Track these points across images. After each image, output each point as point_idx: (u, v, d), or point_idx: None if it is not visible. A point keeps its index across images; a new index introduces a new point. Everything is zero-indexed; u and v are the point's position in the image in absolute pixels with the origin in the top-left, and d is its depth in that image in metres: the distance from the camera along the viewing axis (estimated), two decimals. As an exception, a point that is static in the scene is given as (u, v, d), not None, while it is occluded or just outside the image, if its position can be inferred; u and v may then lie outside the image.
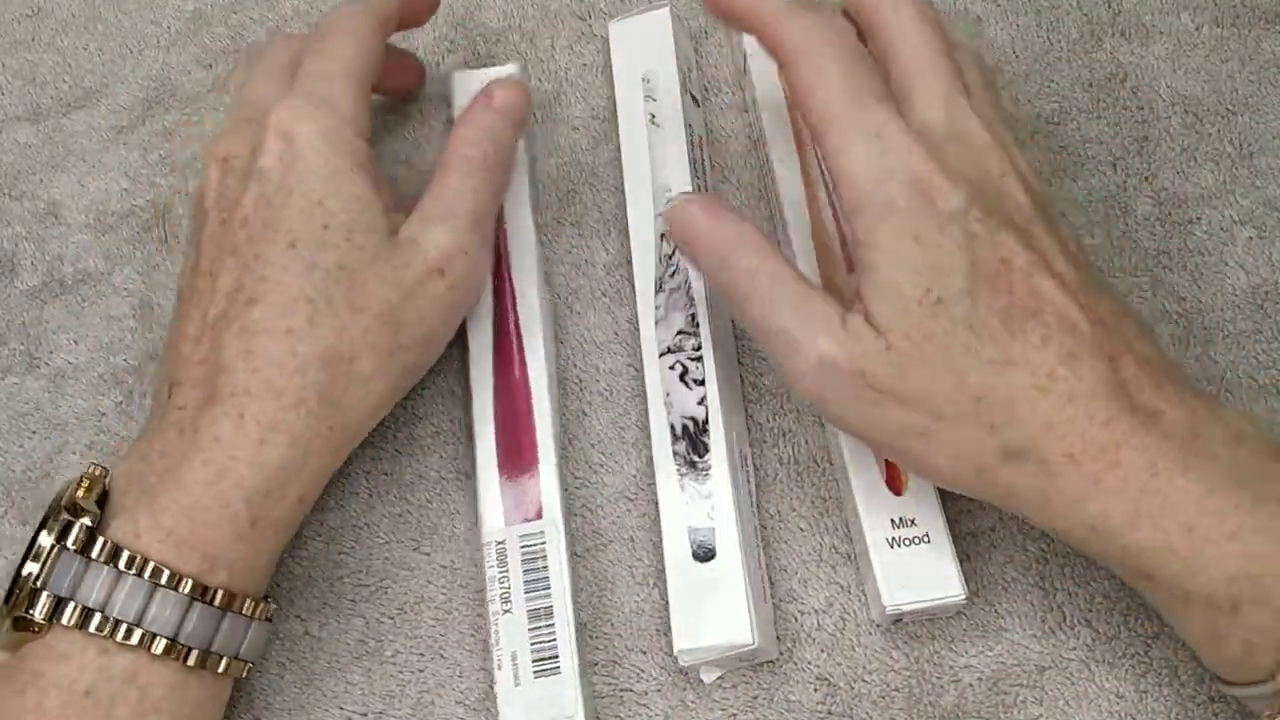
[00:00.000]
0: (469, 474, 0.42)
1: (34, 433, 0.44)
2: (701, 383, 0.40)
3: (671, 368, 0.40)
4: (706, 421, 0.39)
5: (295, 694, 0.39)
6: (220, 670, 0.34)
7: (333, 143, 0.37)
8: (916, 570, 0.37)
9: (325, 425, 0.35)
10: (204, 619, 0.33)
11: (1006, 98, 0.42)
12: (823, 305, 0.33)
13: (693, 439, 0.39)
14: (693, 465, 0.39)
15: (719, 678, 0.38)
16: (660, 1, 0.46)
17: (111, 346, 0.45)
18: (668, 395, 0.40)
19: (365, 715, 0.39)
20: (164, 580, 0.33)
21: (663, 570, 0.38)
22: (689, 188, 0.43)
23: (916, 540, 0.37)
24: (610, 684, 0.39)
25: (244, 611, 0.35)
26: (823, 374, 0.33)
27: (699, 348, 0.40)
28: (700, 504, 0.38)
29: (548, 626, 0.37)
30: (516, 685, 0.37)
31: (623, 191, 0.43)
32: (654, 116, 0.44)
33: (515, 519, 0.39)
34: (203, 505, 0.33)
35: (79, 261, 0.47)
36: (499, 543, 0.39)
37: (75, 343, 0.45)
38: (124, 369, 0.45)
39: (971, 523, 0.40)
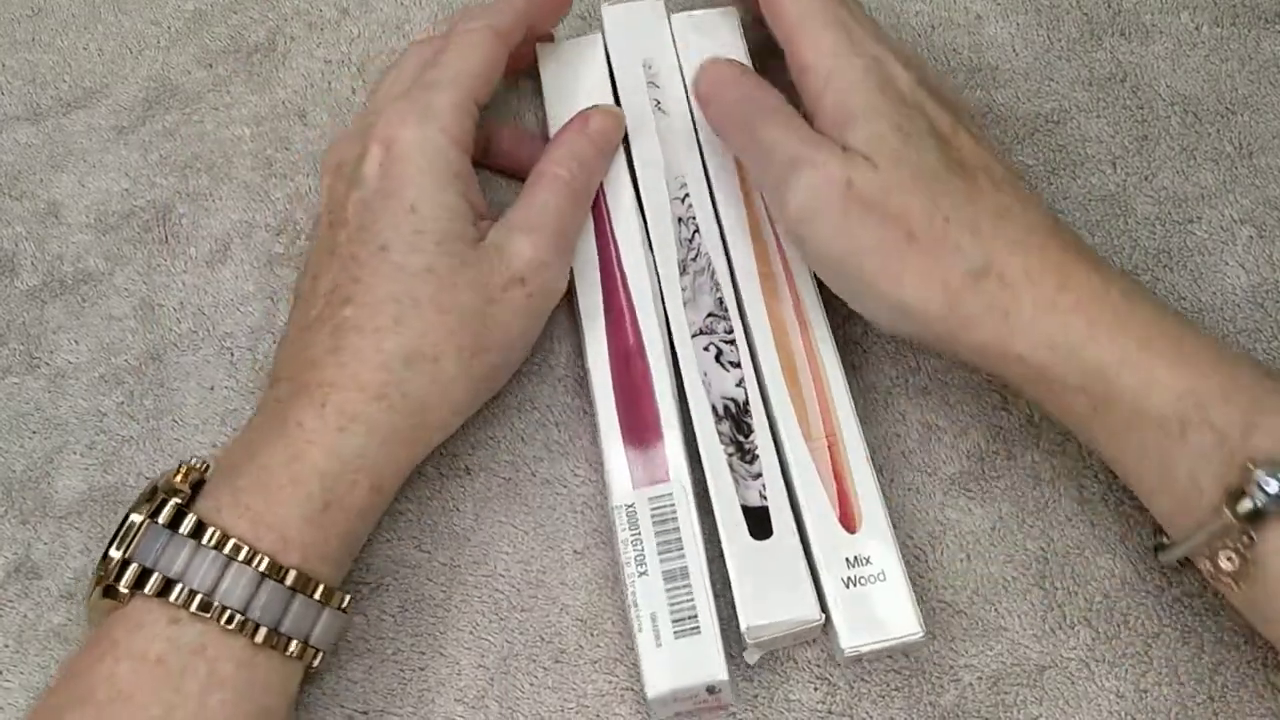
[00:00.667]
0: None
1: (34, 433, 0.44)
2: (738, 364, 0.40)
3: (706, 349, 0.40)
4: (747, 402, 0.39)
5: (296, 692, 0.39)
6: (289, 653, 0.34)
7: (428, 151, 0.38)
8: (874, 609, 0.36)
9: (406, 421, 0.37)
10: (274, 597, 0.34)
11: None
12: (824, 139, 0.38)
13: (736, 420, 0.39)
14: (739, 446, 0.39)
15: (761, 657, 0.38)
16: None
17: (112, 347, 0.45)
18: (705, 375, 0.40)
19: (366, 713, 0.39)
20: (239, 555, 0.34)
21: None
22: (701, 174, 0.43)
23: (872, 579, 0.37)
24: (610, 682, 0.39)
25: (316, 596, 0.35)
26: (821, 186, 0.36)
27: (731, 330, 0.40)
28: (752, 484, 0.38)
29: (684, 587, 0.37)
30: (659, 646, 0.36)
31: (634, 175, 0.43)
32: (659, 103, 0.44)
33: (643, 482, 0.39)
34: (278, 484, 0.35)
35: (79, 261, 0.47)
36: (628, 506, 0.38)
37: (75, 343, 0.45)
38: (124, 369, 0.45)
39: (972, 523, 0.40)
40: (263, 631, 0.34)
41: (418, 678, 0.39)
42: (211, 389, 0.44)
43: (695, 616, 0.37)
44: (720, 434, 0.39)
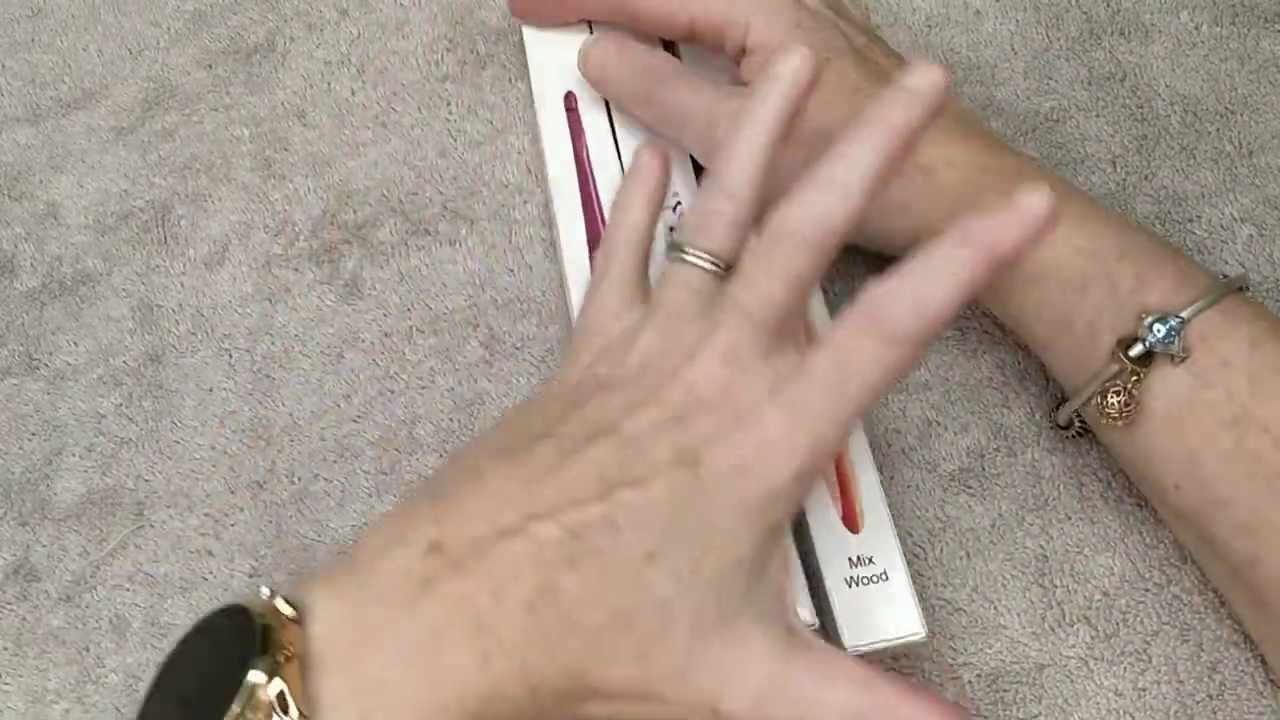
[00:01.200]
0: None
1: (33, 434, 0.44)
2: None
3: None
4: None
5: (294, 693, 0.39)
6: None
7: (776, 508, 0.30)
8: (875, 610, 0.36)
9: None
10: None
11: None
12: (735, 90, 0.39)
13: None
14: None
15: None
16: None
17: (111, 348, 0.45)
18: None
19: (364, 714, 0.39)
20: None
21: None
22: (693, 180, 0.43)
23: (875, 579, 0.37)
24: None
25: None
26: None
27: None
28: None
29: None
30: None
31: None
32: None
33: None
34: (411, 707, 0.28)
35: (78, 262, 0.47)
36: None
37: (74, 344, 0.45)
38: (123, 370, 0.45)
39: (971, 520, 0.40)
40: None
41: (417, 678, 0.39)
42: (210, 390, 0.44)
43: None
44: None
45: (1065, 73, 0.48)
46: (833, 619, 0.36)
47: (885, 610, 0.36)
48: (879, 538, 0.37)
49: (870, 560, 0.37)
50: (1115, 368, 0.36)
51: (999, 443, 0.42)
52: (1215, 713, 0.37)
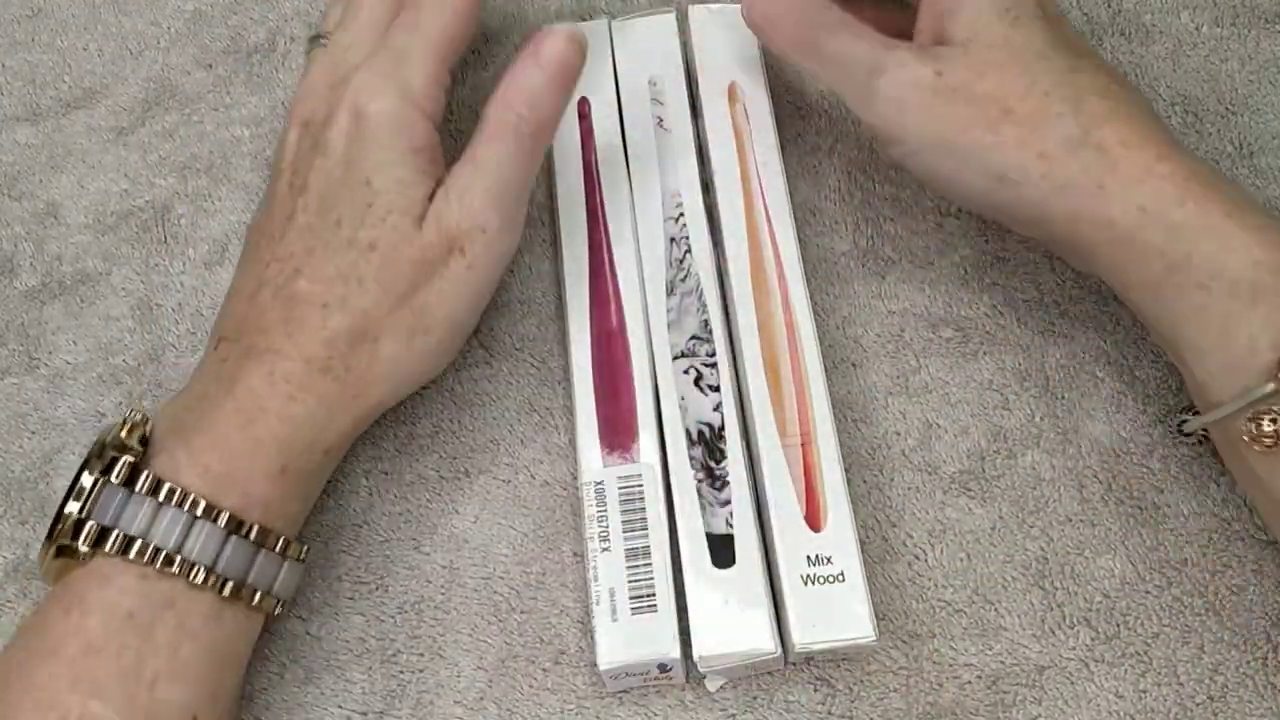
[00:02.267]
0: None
1: (33, 433, 0.44)
2: (717, 389, 0.40)
3: (686, 372, 0.40)
4: (723, 428, 0.39)
5: (295, 693, 0.39)
6: (254, 604, 0.36)
7: (396, 125, 0.38)
8: (829, 610, 0.36)
9: (350, 393, 0.37)
10: (239, 552, 0.35)
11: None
12: (899, 41, 0.39)
13: (709, 445, 0.39)
14: (709, 472, 0.39)
15: (723, 685, 0.38)
16: (666, 6, 0.46)
17: (110, 347, 0.45)
18: (682, 399, 0.40)
19: (365, 715, 0.39)
20: (201, 512, 0.34)
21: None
22: (699, 193, 0.43)
23: (831, 579, 0.37)
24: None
25: (277, 549, 0.36)
26: (907, 84, 0.38)
27: (713, 354, 0.40)
28: (719, 511, 0.38)
29: (645, 565, 0.37)
30: (614, 620, 0.37)
31: (630, 191, 0.43)
32: (661, 120, 0.44)
33: (613, 461, 0.39)
34: (235, 446, 0.35)
35: (78, 262, 0.47)
36: (597, 483, 0.39)
37: (74, 343, 0.45)
38: (123, 369, 0.45)
39: (972, 522, 0.40)
40: (230, 585, 0.35)
41: (417, 680, 0.39)
42: (211, 390, 0.44)
43: (653, 595, 0.37)
44: (692, 459, 0.39)
45: (1066, 74, 0.48)
46: (785, 615, 0.37)
47: (839, 611, 0.36)
48: (840, 538, 0.37)
49: (829, 560, 0.37)
50: (1271, 388, 0.33)
51: (999, 445, 0.42)
52: (1216, 715, 0.37)
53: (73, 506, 0.34)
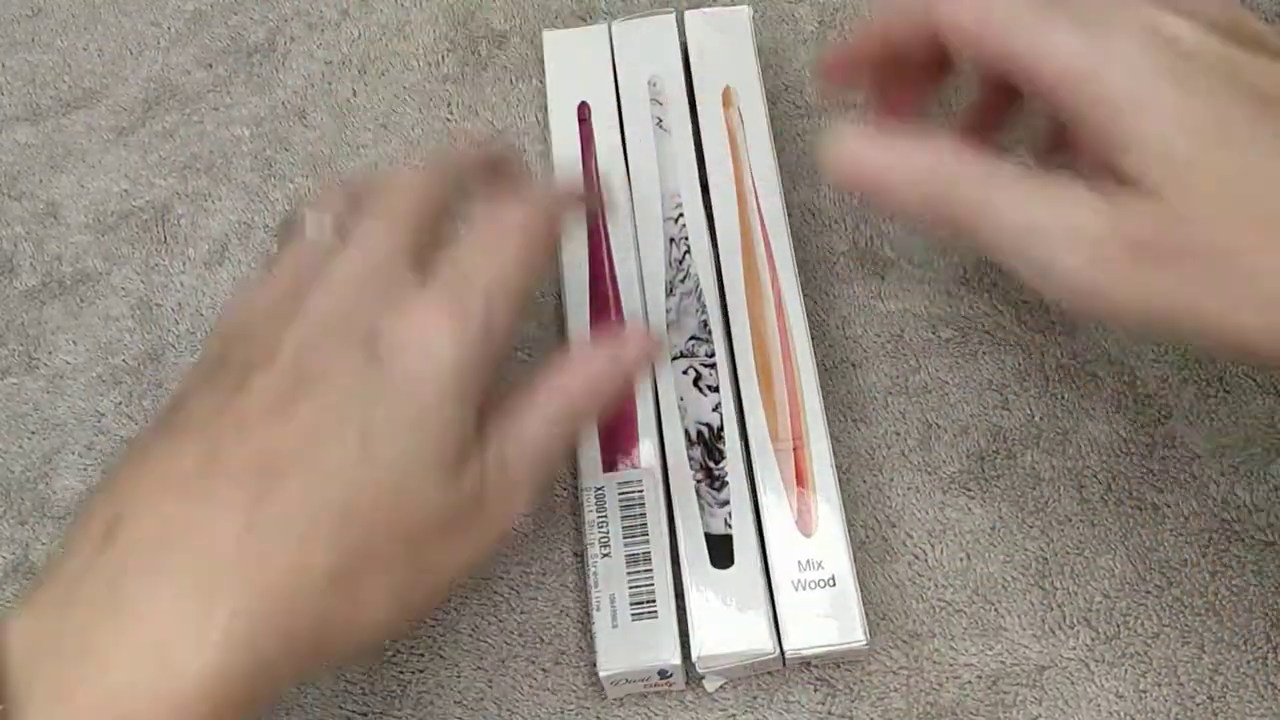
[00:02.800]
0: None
1: (32, 433, 0.44)
2: (716, 389, 0.40)
3: (685, 372, 0.40)
4: (721, 428, 0.39)
5: (295, 694, 0.39)
6: None
7: (469, 374, 0.30)
8: (820, 614, 0.36)
9: (309, 648, 0.29)
10: None
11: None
12: (1067, 186, 0.29)
13: (708, 445, 0.39)
14: (709, 472, 0.39)
15: (721, 685, 0.38)
16: (666, 7, 0.46)
17: (110, 347, 0.45)
18: (681, 399, 0.40)
19: (365, 715, 0.39)
20: None
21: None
22: (698, 193, 0.43)
23: (822, 584, 0.37)
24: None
25: None
26: (1093, 254, 0.28)
27: (712, 354, 0.40)
28: (718, 511, 0.38)
29: (645, 571, 0.37)
30: (615, 627, 0.37)
31: (629, 192, 0.43)
32: (661, 121, 0.44)
33: (614, 466, 0.39)
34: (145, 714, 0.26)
35: (78, 262, 0.47)
36: (598, 489, 0.39)
37: (74, 343, 0.45)
38: (123, 370, 0.45)
39: (972, 522, 0.40)
40: None
41: (416, 680, 0.39)
42: (210, 389, 0.44)
43: (654, 601, 0.37)
44: (691, 459, 0.39)
45: (1066, 74, 0.48)
46: (777, 620, 0.37)
47: (830, 616, 0.36)
48: (831, 543, 0.37)
49: (820, 565, 0.37)
50: None
51: (999, 445, 0.42)
52: (1216, 715, 0.37)
53: None
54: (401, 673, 0.39)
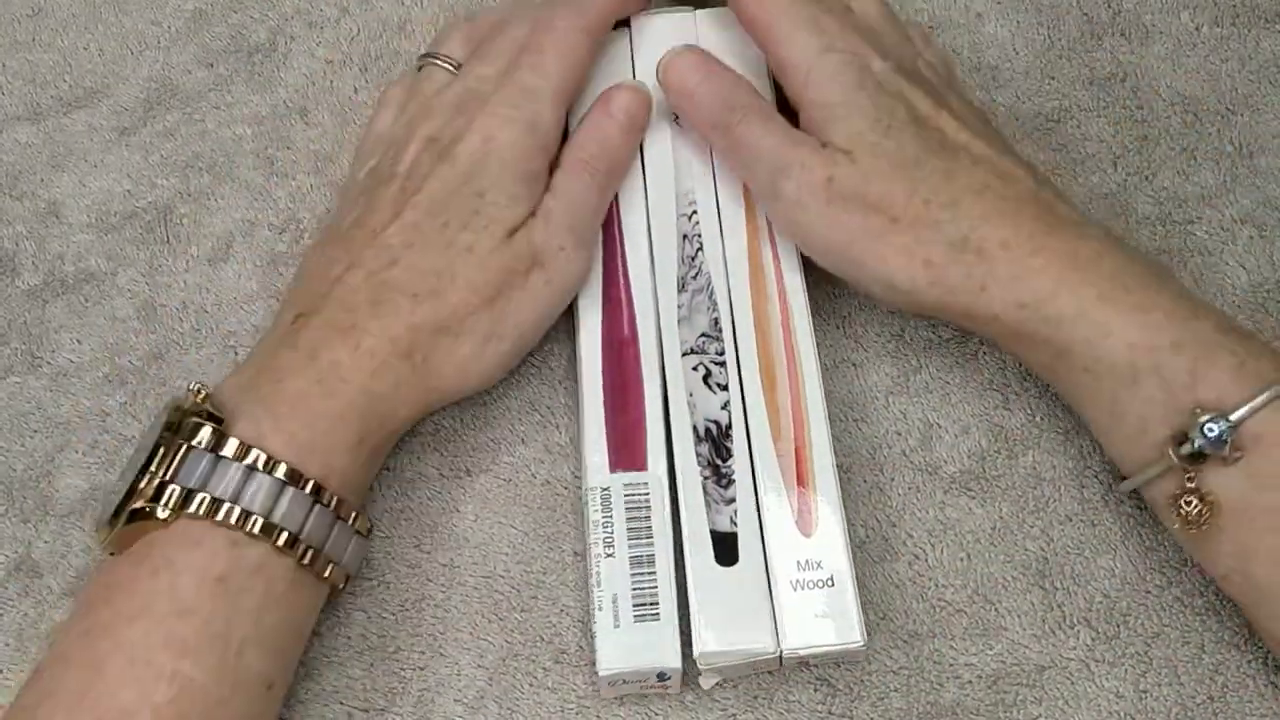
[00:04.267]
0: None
1: (35, 432, 0.44)
2: (725, 387, 0.40)
3: (695, 369, 0.40)
4: (730, 426, 0.39)
5: (296, 689, 0.39)
6: (326, 575, 0.36)
7: (520, 152, 0.40)
8: (819, 615, 0.36)
9: (423, 381, 0.39)
10: (321, 520, 0.36)
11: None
12: (804, 137, 0.40)
13: (716, 443, 0.39)
14: (716, 469, 0.39)
15: (717, 683, 0.38)
16: (685, 7, 0.46)
17: (115, 347, 0.45)
18: (690, 396, 0.40)
19: (366, 711, 0.39)
20: (288, 478, 0.35)
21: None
22: (712, 192, 0.43)
23: (821, 584, 0.37)
24: (610, 683, 0.39)
25: (351, 521, 0.37)
26: (805, 187, 0.39)
27: (723, 352, 0.40)
28: (724, 509, 0.38)
29: (649, 574, 0.37)
30: (616, 626, 0.37)
31: (644, 188, 0.43)
32: (678, 117, 0.44)
33: (620, 467, 0.39)
34: (319, 413, 0.36)
35: (81, 261, 0.47)
36: (603, 489, 0.39)
37: (78, 342, 0.45)
38: (128, 369, 0.45)
39: (972, 522, 0.40)
40: (310, 553, 0.35)
41: (418, 677, 0.39)
42: (212, 389, 0.44)
43: (656, 603, 0.37)
44: (698, 455, 0.39)
45: (1066, 74, 0.48)
46: (776, 620, 0.37)
47: (828, 616, 0.36)
48: (830, 543, 0.37)
49: (819, 565, 0.37)
50: (1167, 464, 0.35)
51: (999, 445, 0.42)
52: (1216, 715, 0.37)
53: (154, 469, 0.34)
54: (402, 669, 0.39)
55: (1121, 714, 0.38)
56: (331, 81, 0.49)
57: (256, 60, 0.50)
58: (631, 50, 0.46)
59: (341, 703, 0.39)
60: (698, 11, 0.46)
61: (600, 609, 0.37)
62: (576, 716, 0.39)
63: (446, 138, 0.41)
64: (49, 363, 0.45)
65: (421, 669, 0.39)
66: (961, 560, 0.40)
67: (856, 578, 0.37)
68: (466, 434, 0.43)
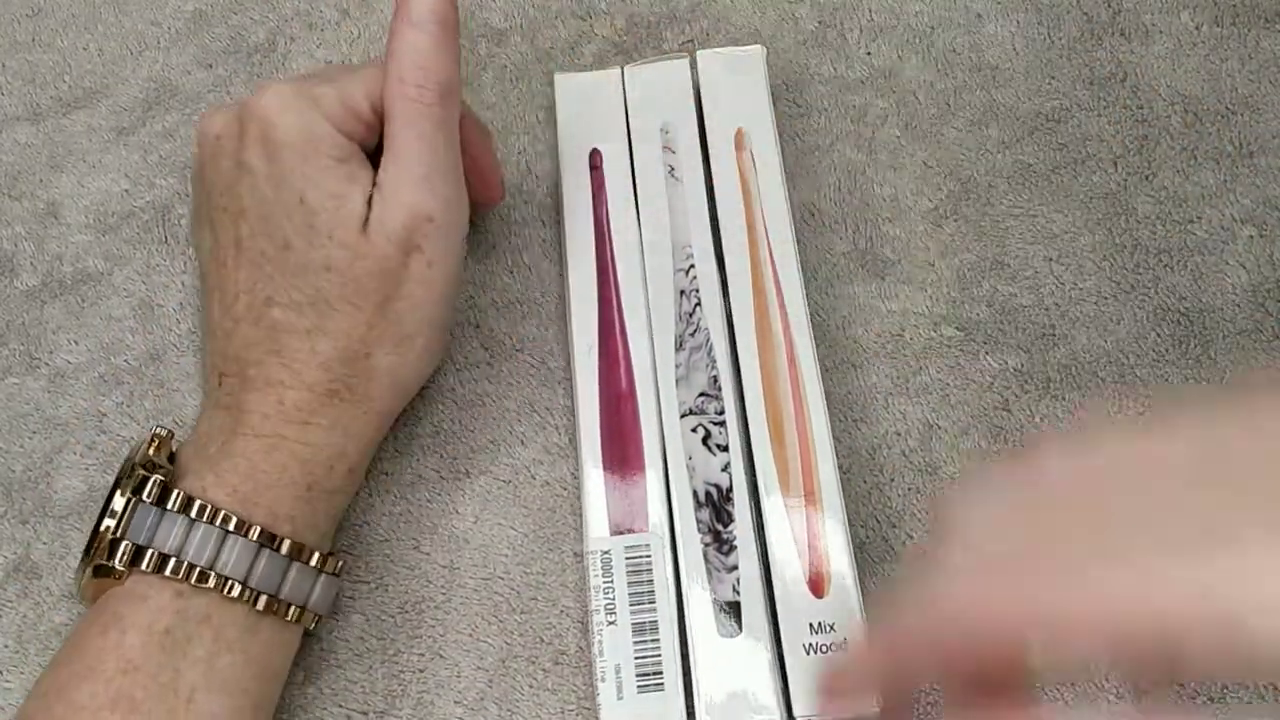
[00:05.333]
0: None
1: (34, 433, 0.44)
2: (725, 448, 0.39)
3: (694, 430, 0.40)
4: (731, 489, 0.39)
5: (295, 692, 0.39)
6: (289, 618, 0.36)
7: (308, 138, 0.36)
8: None
9: (358, 411, 0.38)
10: (272, 565, 0.35)
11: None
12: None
13: (716, 508, 0.38)
14: (717, 535, 0.38)
15: None
16: (679, 51, 0.46)
17: (112, 347, 0.45)
18: (690, 459, 0.39)
19: (365, 714, 0.39)
20: (233, 527, 0.35)
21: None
22: (709, 244, 0.42)
23: (834, 647, 0.36)
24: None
25: (311, 563, 0.37)
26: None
27: (722, 411, 0.40)
28: (726, 577, 0.38)
29: (653, 641, 0.37)
30: (620, 699, 0.36)
31: (640, 243, 0.43)
32: (673, 169, 0.44)
33: (621, 528, 0.38)
34: (261, 469, 0.36)
35: (79, 262, 0.47)
36: (604, 552, 0.38)
37: (75, 343, 0.45)
38: (125, 369, 0.45)
39: (971, 522, 0.40)
40: (263, 599, 0.35)
41: (417, 679, 0.39)
42: (211, 390, 0.44)
43: (660, 673, 0.36)
44: (699, 522, 0.38)
45: (1066, 73, 0.48)
46: (785, 684, 0.36)
47: None
48: (843, 605, 0.37)
49: (831, 628, 0.36)
50: None
51: (999, 446, 0.42)
52: (1216, 715, 0.37)
53: (109, 521, 0.35)
54: (402, 671, 0.39)
55: (1122, 714, 0.37)
56: (330, 82, 0.49)
57: (256, 61, 0.50)
58: (626, 104, 0.45)
59: (340, 705, 0.39)
60: (700, 53, 0.45)
61: (603, 680, 0.36)
62: (576, 717, 0.39)
63: (229, 136, 0.38)
64: (47, 364, 0.45)
65: (421, 671, 0.39)
66: (961, 561, 0.40)
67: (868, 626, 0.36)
68: (465, 436, 0.43)
